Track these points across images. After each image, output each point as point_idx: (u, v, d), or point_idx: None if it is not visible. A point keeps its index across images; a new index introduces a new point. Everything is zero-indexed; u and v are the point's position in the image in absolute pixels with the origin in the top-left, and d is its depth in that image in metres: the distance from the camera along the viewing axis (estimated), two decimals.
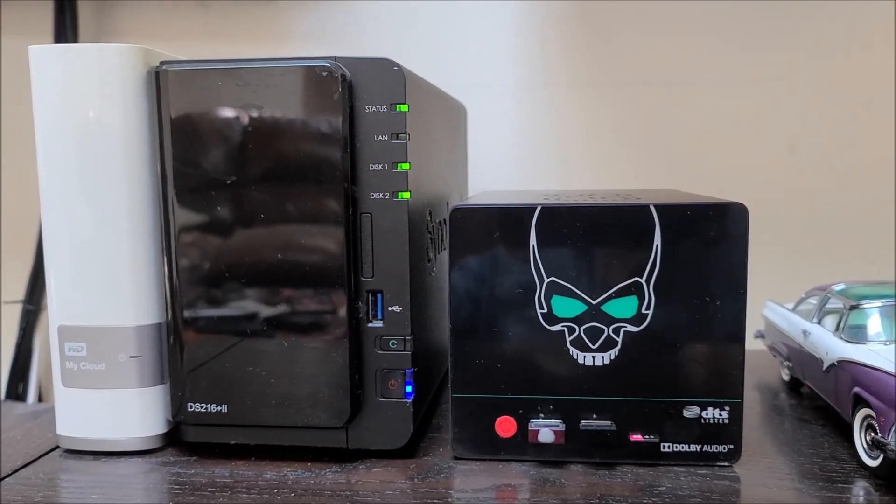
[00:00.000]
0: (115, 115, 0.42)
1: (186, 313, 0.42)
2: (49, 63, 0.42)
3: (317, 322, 0.42)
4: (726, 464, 0.42)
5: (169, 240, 0.42)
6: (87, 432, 0.45)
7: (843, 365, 0.44)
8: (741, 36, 0.69)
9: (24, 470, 0.43)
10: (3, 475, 0.42)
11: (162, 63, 0.42)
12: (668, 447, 0.42)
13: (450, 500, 0.38)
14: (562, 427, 0.41)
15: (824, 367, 0.46)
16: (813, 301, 0.51)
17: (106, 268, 0.43)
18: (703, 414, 0.41)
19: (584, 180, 0.71)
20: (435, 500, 0.38)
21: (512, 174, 0.72)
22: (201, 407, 0.43)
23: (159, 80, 0.41)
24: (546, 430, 0.41)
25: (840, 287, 0.50)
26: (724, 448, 0.42)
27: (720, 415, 0.41)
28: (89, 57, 0.42)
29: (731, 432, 0.41)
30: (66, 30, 0.75)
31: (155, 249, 0.43)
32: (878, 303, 0.46)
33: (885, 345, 0.43)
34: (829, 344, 0.46)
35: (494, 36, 0.71)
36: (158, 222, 0.43)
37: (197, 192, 0.41)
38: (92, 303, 0.43)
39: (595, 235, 0.41)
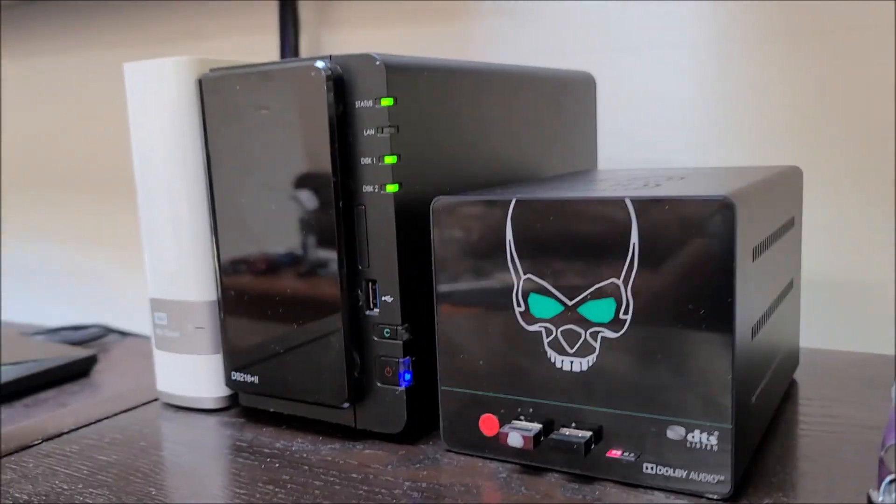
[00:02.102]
0: (181, 120, 0.48)
1: (225, 294, 0.48)
2: (134, 77, 0.50)
3: (319, 307, 0.44)
4: (715, 496, 0.36)
5: (214, 228, 0.48)
6: (173, 388, 0.53)
7: None
8: None
9: (123, 415, 0.52)
10: (105, 416, 0.52)
11: (211, 71, 0.47)
12: (651, 469, 0.38)
13: (399, 489, 0.39)
14: (531, 433, 0.39)
15: None
16: None
17: (179, 251, 0.50)
18: (689, 437, 0.36)
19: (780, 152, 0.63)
20: (382, 489, 0.39)
21: (690, 145, 0.67)
22: (241, 377, 0.48)
23: (201, 87, 0.47)
24: (515, 434, 0.39)
25: None
26: (713, 479, 0.36)
27: (708, 440, 0.36)
28: (161, 69, 0.49)
29: (720, 461, 0.36)
30: (288, 23, 0.85)
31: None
32: None
33: None
34: None
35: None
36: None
37: (227, 187, 0.46)
38: (170, 280, 0.51)
39: (570, 231, 0.38)
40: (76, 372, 0.70)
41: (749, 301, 0.37)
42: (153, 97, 0.49)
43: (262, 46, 0.88)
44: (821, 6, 0.61)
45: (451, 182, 0.46)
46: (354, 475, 0.41)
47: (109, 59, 0.98)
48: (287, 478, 0.41)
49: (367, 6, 0.81)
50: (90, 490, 0.41)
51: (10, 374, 0.67)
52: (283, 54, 0.86)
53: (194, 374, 0.51)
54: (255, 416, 0.50)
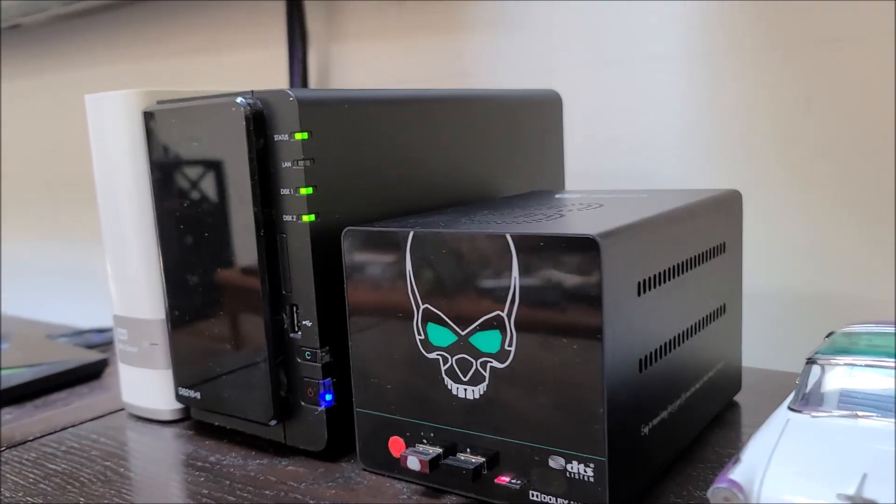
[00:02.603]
0: (136, 149, 0.51)
1: (171, 313, 0.51)
2: (93, 108, 0.53)
3: (248, 329, 0.46)
4: None
5: (160, 252, 0.50)
6: (135, 400, 0.56)
7: None
8: None
9: (90, 423, 0.56)
10: (75, 423, 0.55)
11: (157, 103, 0.50)
12: (537, 496, 0.38)
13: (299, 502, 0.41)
14: (428, 457, 0.40)
15: None
16: None
17: (135, 271, 0.53)
18: (568, 467, 0.37)
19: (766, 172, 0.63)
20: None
21: (677, 165, 0.67)
22: (187, 392, 0.51)
23: (145, 120, 0.49)
24: (413, 458, 0.41)
25: None
26: None
27: (585, 471, 0.37)
28: (115, 102, 0.51)
29: (596, 493, 0.37)
30: (296, 37, 0.88)
31: None
32: None
33: None
34: None
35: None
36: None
37: (168, 214, 0.49)
38: (128, 298, 0.54)
39: (459, 263, 0.39)
40: (87, 374, 0.74)
41: (634, 334, 0.38)
42: (111, 127, 0.52)
43: (271, 60, 0.91)
44: (807, 16, 0.60)
45: (380, 210, 0.48)
46: (268, 491, 0.43)
47: (122, 71, 1.03)
48: (206, 492, 0.43)
49: (374, 19, 0.83)
50: (27, 499, 0.44)
51: (23, 376, 0.71)
52: (292, 67, 0.88)
53: (152, 387, 0.54)
54: (204, 429, 0.53)
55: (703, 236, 0.45)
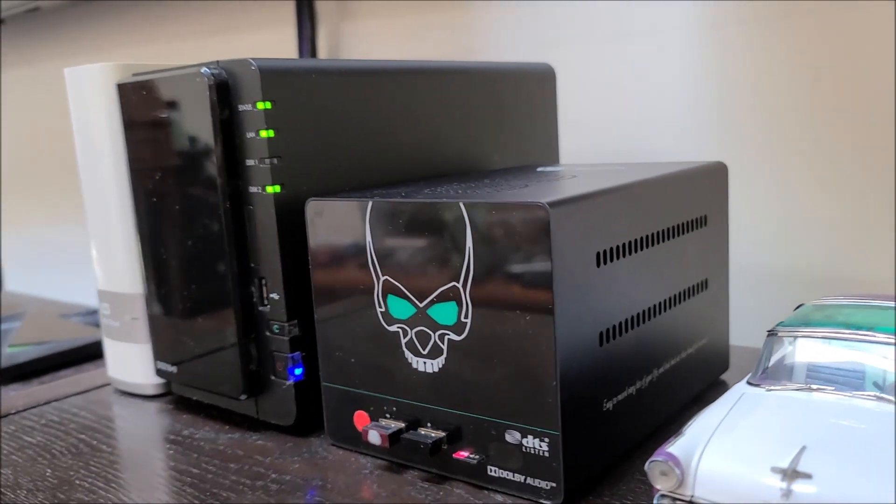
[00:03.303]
0: (115, 121, 0.51)
1: (148, 288, 0.51)
2: (73, 81, 0.53)
3: (218, 303, 0.46)
4: (549, 503, 0.36)
5: (137, 225, 0.50)
6: (119, 374, 0.56)
7: None
8: None
9: (74, 397, 0.56)
10: (57, 399, 0.56)
11: (133, 76, 0.49)
12: (495, 471, 0.38)
13: (264, 480, 0.40)
14: (388, 432, 0.40)
15: None
16: None
17: (115, 246, 0.53)
18: (524, 442, 0.36)
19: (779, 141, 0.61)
20: (246, 480, 0.41)
21: (683, 141, 0.65)
22: (164, 366, 0.51)
23: (119, 93, 0.49)
24: (374, 432, 0.40)
25: None
26: (547, 485, 0.36)
27: (540, 446, 0.36)
28: (92, 75, 0.51)
29: (551, 468, 0.36)
30: (304, 17, 0.87)
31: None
32: None
33: None
34: None
35: None
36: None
37: (143, 186, 0.49)
38: (110, 273, 0.54)
39: (417, 233, 0.38)
40: (95, 353, 0.75)
41: (593, 306, 0.37)
42: (90, 100, 0.52)
43: (282, 40, 0.91)
44: None
45: (351, 183, 0.47)
46: (232, 465, 0.43)
47: (135, 55, 1.03)
48: (172, 464, 0.43)
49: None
50: None
51: (30, 353, 0.72)
52: (301, 46, 0.88)
53: (134, 361, 0.54)
54: (184, 404, 0.53)
55: (679, 208, 0.43)
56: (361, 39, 0.85)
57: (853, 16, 0.55)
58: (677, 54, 0.63)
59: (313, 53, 0.88)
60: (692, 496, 0.27)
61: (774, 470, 0.26)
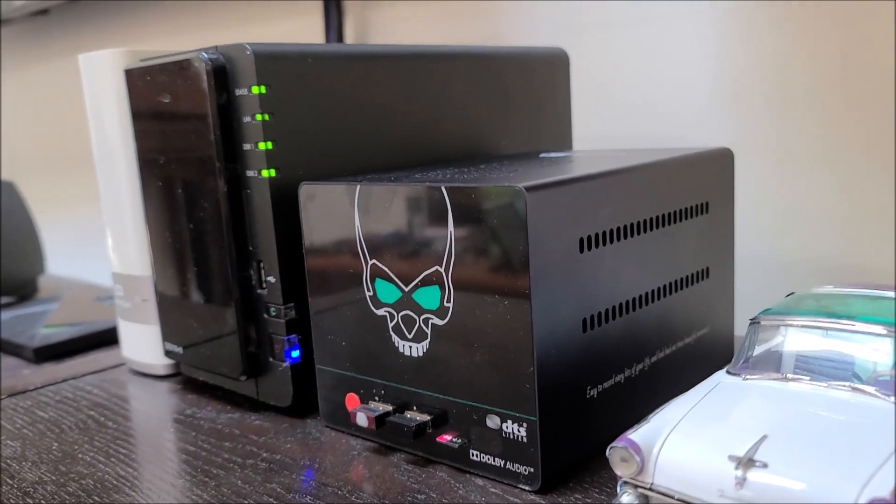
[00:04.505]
0: (122, 109, 0.52)
1: (155, 270, 0.52)
2: (86, 67, 0.54)
3: (219, 285, 0.47)
4: (527, 488, 0.36)
5: (144, 208, 0.51)
6: (133, 354, 0.57)
7: None
8: None
9: (90, 376, 0.58)
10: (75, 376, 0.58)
11: (140, 61, 0.50)
12: (476, 455, 0.38)
13: (254, 459, 0.41)
14: (374, 414, 0.40)
15: None
16: None
17: (127, 229, 0.54)
18: (504, 427, 0.36)
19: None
20: (237, 458, 0.41)
21: (704, 127, 0.64)
22: (171, 347, 0.52)
23: (126, 78, 0.50)
24: (361, 414, 0.40)
25: None
26: (525, 470, 0.36)
27: (519, 431, 0.36)
28: (103, 60, 0.53)
29: (529, 454, 0.35)
30: (331, 5, 0.88)
31: None
32: None
33: None
34: None
35: None
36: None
37: (150, 169, 0.50)
38: (123, 255, 0.55)
39: (402, 217, 0.38)
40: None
41: (575, 292, 0.36)
42: (102, 86, 0.53)
43: (309, 29, 0.92)
44: None
45: (349, 168, 0.47)
46: (227, 443, 0.44)
47: (162, 44, 1.05)
48: (171, 442, 0.44)
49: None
50: (7, 442, 0.46)
51: (62, 335, 0.75)
52: (328, 36, 0.89)
53: (145, 342, 0.56)
54: (192, 384, 0.54)
55: (676, 195, 0.43)
56: (388, 27, 0.85)
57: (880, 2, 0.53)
58: (697, 39, 0.62)
59: (340, 42, 0.88)
60: (651, 484, 0.27)
61: (731, 458, 0.25)
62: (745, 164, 0.60)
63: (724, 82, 0.61)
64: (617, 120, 0.68)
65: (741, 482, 0.25)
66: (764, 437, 0.26)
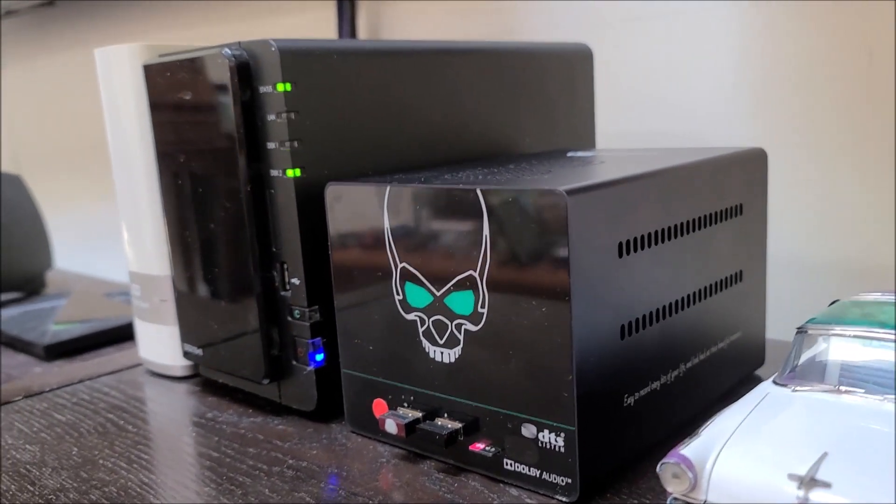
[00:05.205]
0: (140, 105, 0.51)
1: (175, 270, 0.51)
2: (103, 63, 0.53)
3: (241, 287, 0.46)
4: (564, 500, 0.35)
5: (164, 208, 0.50)
6: (150, 356, 0.57)
7: None
8: None
9: (106, 377, 0.57)
10: (92, 376, 0.57)
11: (159, 57, 0.49)
12: (511, 465, 0.37)
13: (280, 466, 0.40)
14: (405, 421, 0.39)
15: None
16: None
17: (145, 228, 0.54)
18: (540, 436, 0.35)
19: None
20: (263, 465, 0.41)
21: (729, 124, 0.62)
22: (191, 349, 0.51)
23: (145, 74, 0.49)
24: (391, 421, 0.39)
25: None
26: (562, 481, 0.35)
27: (556, 441, 0.35)
28: (121, 56, 0.52)
29: (567, 464, 0.35)
30: (344, 14, 0.87)
31: None
32: None
33: None
34: None
35: None
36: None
37: (170, 168, 0.49)
38: (140, 254, 0.54)
39: (434, 220, 0.37)
40: (132, 333, 0.76)
41: (614, 298, 0.35)
42: (119, 81, 0.52)
43: (322, 22, 0.90)
44: None
45: (374, 167, 0.46)
46: (251, 449, 0.43)
47: (177, 38, 1.04)
48: (191, 447, 0.43)
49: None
50: (26, 446, 0.45)
51: (73, 331, 0.74)
52: (341, 29, 0.87)
53: (163, 343, 0.55)
54: (211, 386, 0.53)
55: (712, 196, 0.42)
56: (402, 20, 0.84)
57: None
58: (720, 34, 0.61)
59: (353, 35, 0.87)
60: (705, 501, 0.26)
61: (792, 477, 0.24)
62: (770, 162, 0.59)
63: (748, 78, 0.60)
64: (637, 117, 0.67)
65: (804, 503, 0.24)
66: (825, 455, 0.25)
